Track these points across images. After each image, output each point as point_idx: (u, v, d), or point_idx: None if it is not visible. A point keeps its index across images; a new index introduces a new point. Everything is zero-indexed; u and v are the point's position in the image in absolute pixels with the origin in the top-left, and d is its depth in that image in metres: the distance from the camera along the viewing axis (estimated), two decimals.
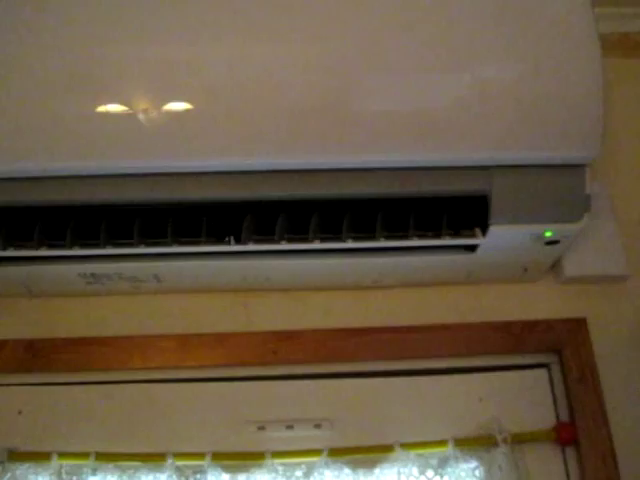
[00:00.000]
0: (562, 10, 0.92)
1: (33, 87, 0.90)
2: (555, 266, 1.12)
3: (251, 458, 1.01)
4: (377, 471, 1.01)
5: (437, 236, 0.97)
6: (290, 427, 1.05)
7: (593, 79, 0.89)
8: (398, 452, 1.00)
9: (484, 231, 0.96)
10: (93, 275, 1.04)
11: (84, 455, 1.01)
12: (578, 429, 1.04)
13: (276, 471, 0.99)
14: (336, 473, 1.00)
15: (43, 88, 0.90)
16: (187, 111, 0.89)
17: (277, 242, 0.96)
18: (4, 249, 0.96)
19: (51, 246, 0.97)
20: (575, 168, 0.94)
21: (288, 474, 0.99)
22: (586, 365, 1.08)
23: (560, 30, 0.91)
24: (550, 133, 0.91)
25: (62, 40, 0.91)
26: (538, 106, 0.90)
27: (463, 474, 1.01)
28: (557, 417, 1.08)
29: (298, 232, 0.97)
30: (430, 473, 1.00)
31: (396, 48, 0.91)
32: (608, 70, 0.93)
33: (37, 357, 1.09)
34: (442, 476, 1.00)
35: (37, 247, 0.95)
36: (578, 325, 1.11)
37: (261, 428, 1.05)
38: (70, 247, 0.96)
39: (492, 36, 0.91)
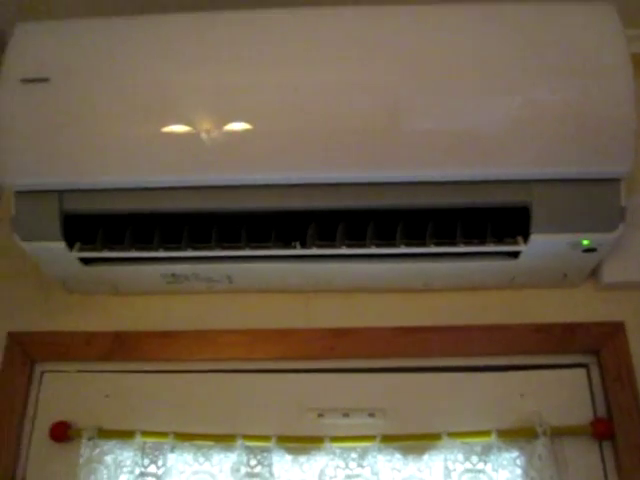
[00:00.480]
0: (596, 35, 1.01)
1: (122, 114, 1.04)
2: (595, 272, 1.19)
3: (311, 442, 1.11)
4: (426, 457, 1.09)
5: (482, 243, 1.06)
6: (346, 415, 1.15)
7: (626, 100, 0.97)
8: (445, 440, 1.08)
9: (526, 239, 1.04)
10: (173, 275, 1.16)
11: (164, 434, 1.12)
12: (615, 425, 1.10)
13: (334, 454, 1.09)
14: (388, 457, 1.09)
15: (129, 115, 1.04)
16: (257, 131, 1.01)
17: (337, 247, 1.06)
18: (100, 251, 1.09)
19: (139, 249, 1.09)
20: (610, 182, 1.02)
21: (344, 456, 1.08)
22: (623, 365, 1.14)
23: (594, 55, 0.99)
24: (587, 151, 0.99)
25: (138, 71, 1.05)
26: (576, 126, 0.99)
27: (505, 462, 1.08)
28: (595, 413, 1.13)
29: (356, 239, 1.07)
30: (474, 459, 1.07)
31: (447, 73, 1.01)
32: None
33: (122, 348, 1.21)
34: (485, 463, 1.07)
35: (129, 249, 1.08)
36: (616, 328, 1.17)
37: (320, 415, 1.15)
38: (156, 249, 1.08)
39: (534, 62, 1.00)
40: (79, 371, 1.23)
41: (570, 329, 1.18)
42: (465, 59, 1.02)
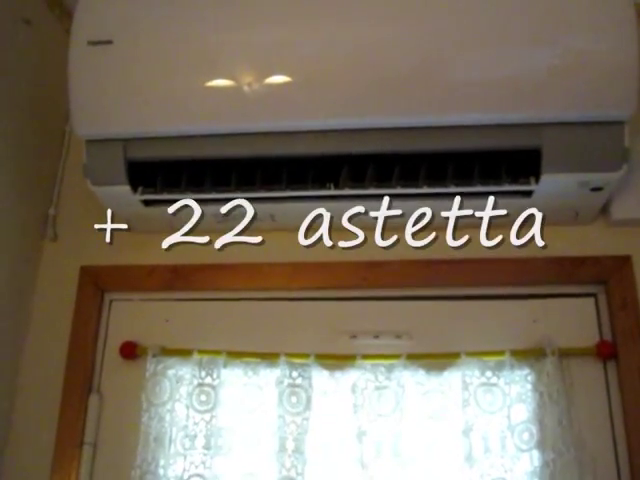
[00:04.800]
0: None
1: (177, 71, 1.16)
2: (604, 211, 1.28)
3: (345, 359, 1.25)
4: (446, 373, 1.22)
5: (497, 184, 1.16)
6: (376, 337, 1.29)
7: (630, 49, 1.05)
8: (463, 358, 1.21)
9: (537, 179, 1.14)
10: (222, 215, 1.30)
11: (217, 352, 1.27)
12: (618, 347, 1.21)
13: (365, 369, 1.22)
14: (412, 373, 1.22)
15: (183, 71, 1.16)
16: (295, 82, 1.12)
17: (367, 188, 1.18)
18: (160, 193, 1.23)
19: (193, 192, 1.22)
20: (615, 125, 1.10)
21: (374, 371, 1.22)
22: (629, 295, 1.25)
23: (602, 9, 1.08)
24: (593, 96, 1.09)
25: (189, 31, 1.16)
26: (583, 74, 1.08)
27: (517, 378, 1.20)
28: (601, 337, 1.25)
29: (383, 180, 1.18)
30: (489, 374, 1.19)
31: (470, 30, 1.11)
32: None
33: (179, 278, 1.36)
34: (499, 378, 1.19)
35: (184, 192, 1.22)
36: (623, 261, 1.27)
37: (353, 337, 1.29)
38: (209, 192, 1.21)
39: (547, 17, 1.09)
40: (142, 299, 1.39)
41: (581, 262, 1.28)
42: (486, 15, 1.11)
